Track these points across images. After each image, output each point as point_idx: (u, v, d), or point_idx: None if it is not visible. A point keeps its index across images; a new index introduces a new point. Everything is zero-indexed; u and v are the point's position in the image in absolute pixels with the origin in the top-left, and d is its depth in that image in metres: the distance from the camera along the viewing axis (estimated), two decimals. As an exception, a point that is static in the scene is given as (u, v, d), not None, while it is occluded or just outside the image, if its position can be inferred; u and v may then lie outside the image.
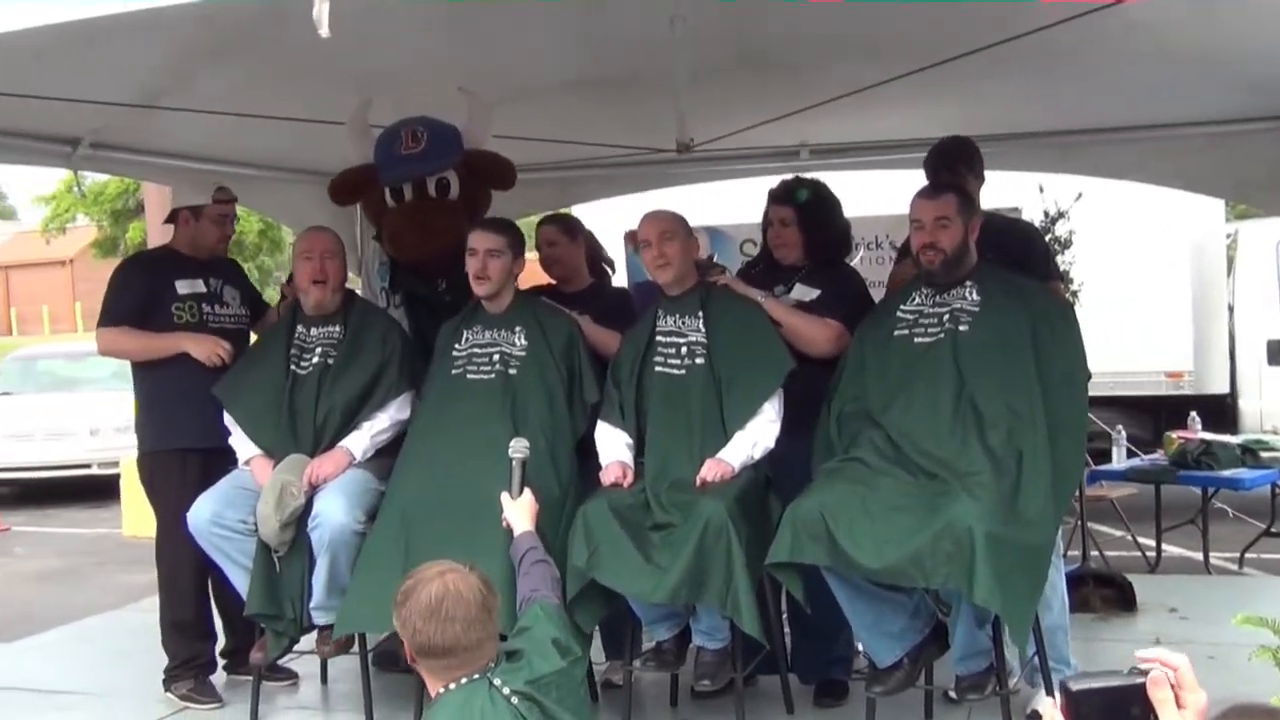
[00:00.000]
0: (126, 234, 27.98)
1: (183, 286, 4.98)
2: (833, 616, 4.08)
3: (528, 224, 6.01)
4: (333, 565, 4.33)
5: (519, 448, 3.65)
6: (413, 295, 5.11)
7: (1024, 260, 4.43)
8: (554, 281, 5.16)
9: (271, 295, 5.65)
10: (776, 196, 4.69)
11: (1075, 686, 1.36)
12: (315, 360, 4.64)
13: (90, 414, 12.35)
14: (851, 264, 4.98)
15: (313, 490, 4.38)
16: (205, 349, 4.86)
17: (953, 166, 4.58)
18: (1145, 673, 1.36)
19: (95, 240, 31.17)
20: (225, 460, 4.73)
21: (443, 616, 2.65)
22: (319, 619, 4.43)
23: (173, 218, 5.18)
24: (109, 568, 9.08)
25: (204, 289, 5.03)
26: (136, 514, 9.77)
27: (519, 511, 3.51)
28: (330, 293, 4.70)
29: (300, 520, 4.36)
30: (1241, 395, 9.63)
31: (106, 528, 10.66)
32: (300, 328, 4.73)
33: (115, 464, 11.05)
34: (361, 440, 4.54)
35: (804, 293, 4.50)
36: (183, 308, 4.96)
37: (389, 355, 4.64)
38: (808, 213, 4.61)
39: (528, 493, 3.54)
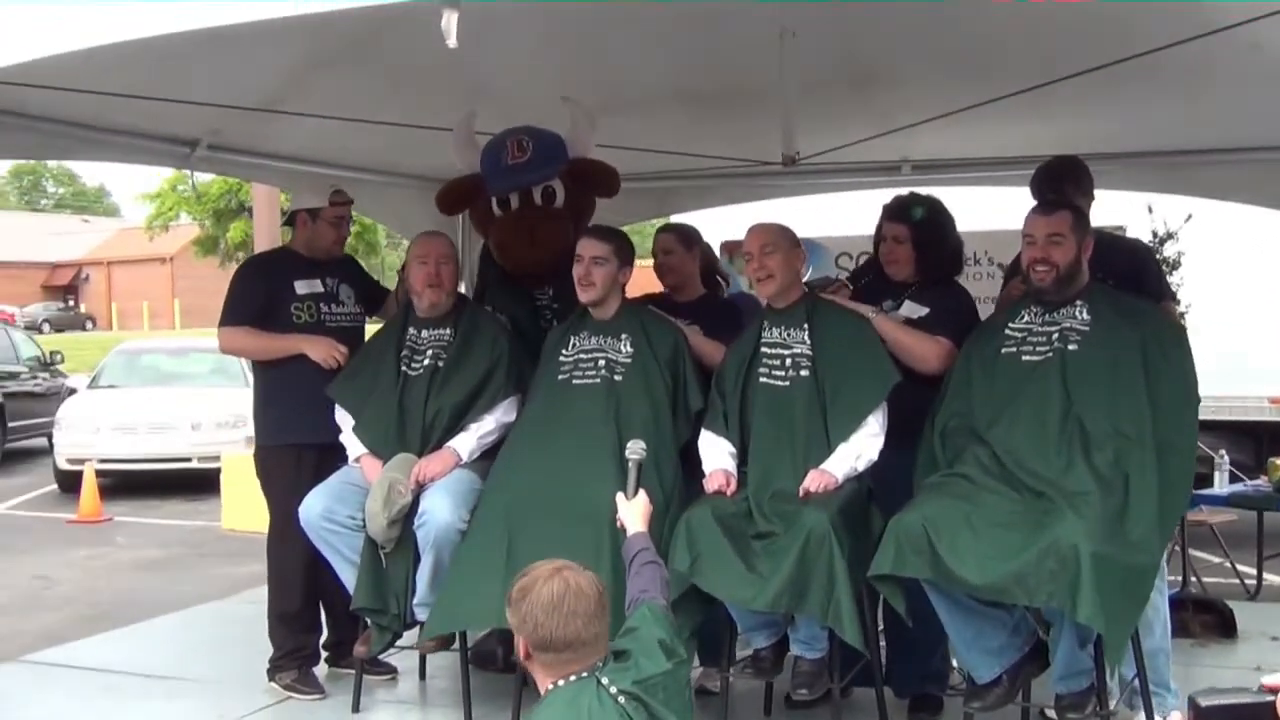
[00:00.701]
0: (227, 233, 28.56)
1: (301, 287, 5.11)
2: (930, 631, 4.10)
3: (640, 232, 6.08)
4: (437, 563, 4.41)
5: (636, 449, 3.69)
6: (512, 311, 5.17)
7: (1137, 279, 4.40)
8: (666, 290, 5.22)
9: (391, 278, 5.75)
10: (891, 213, 4.68)
11: (1205, 702, 1.37)
12: (426, 362, 4.74)
13: (192, 409, 12.60)
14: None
15: (420, 489, 4.47)
16: (322, 351, 4.97)
17: (1058, 187, 4.53)
18: (1276, 691, 1.37)
19: (196, 239, 31.88)
20: (337, 456, 4.85)
21: (565, 611, 2.70)
22: (422, 615, 4.51)
23: (290, 220, 5.31)
24: (209, 559, 9.28)
25: (321, 289, 5.16)
26: (236, 508, 10.00)
27: (633, 512, 3.54)
28: (444, 296, 4.80)
29: (407, 518, 4.46)
30: (1348, 422, 9.44)
31: (205, 520, 10.88)
32: (412, 329, 4.83)
33: (215, 458, 11.27)
34: (468, 441, 4.63)
35: (913, 310, 4.50)
36: (301, 308, 5.09)
37: (497, 359, 4.73)
38: (922, 230, 4.60)
39: (642, 494, 3.58)
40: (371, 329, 5.25)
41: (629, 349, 4.53)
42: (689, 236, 5.30)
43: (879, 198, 4.94)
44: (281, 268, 5.21)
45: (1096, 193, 4.76)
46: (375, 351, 4.91)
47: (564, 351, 4.60)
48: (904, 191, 4.85)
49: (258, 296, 5.10)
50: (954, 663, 4.59)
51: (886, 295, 4.58)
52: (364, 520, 4.48)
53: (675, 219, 6.96)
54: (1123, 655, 3.69)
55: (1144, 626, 4.02)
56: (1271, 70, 4.36)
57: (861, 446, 4.17)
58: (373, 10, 3.46)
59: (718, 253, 6.10)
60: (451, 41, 3.00)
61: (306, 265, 5.17)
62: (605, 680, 2.77)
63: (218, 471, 10.87)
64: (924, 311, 4.49)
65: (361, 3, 3.40)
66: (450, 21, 2.98)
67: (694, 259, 5.24)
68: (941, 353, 4.36)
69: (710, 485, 4.20)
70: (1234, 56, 4.10)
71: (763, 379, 4.32)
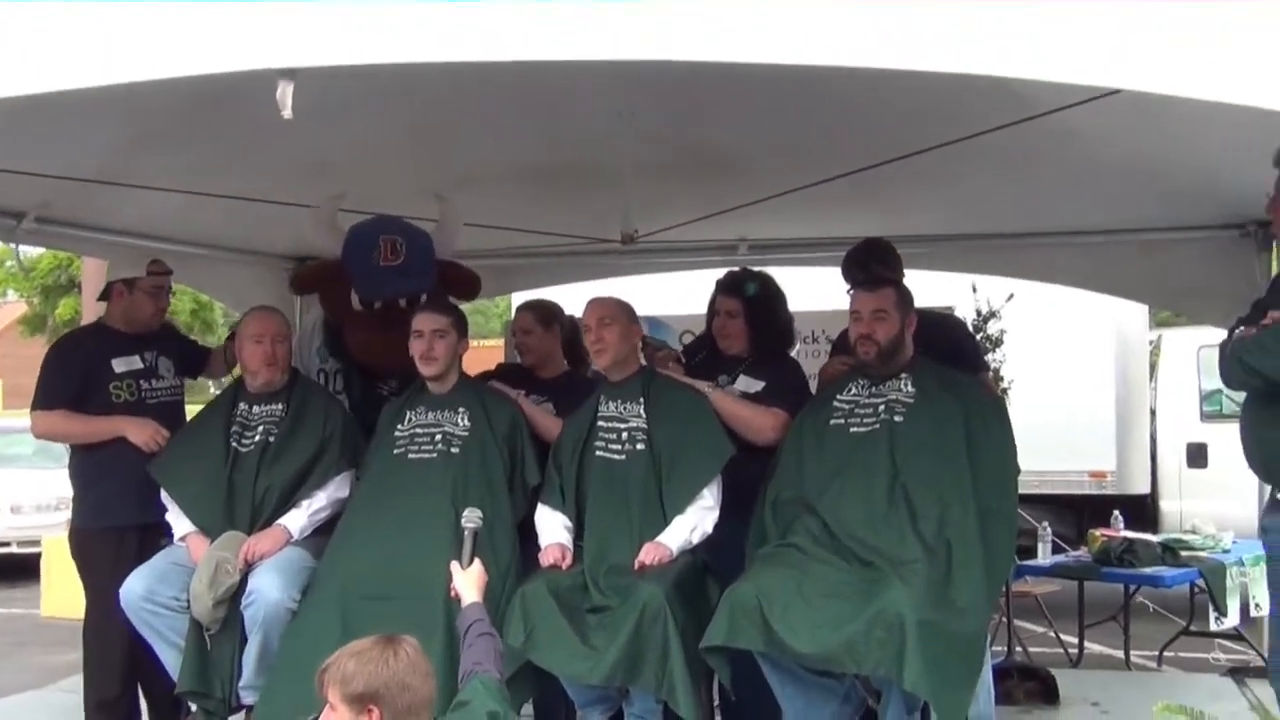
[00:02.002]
0: (56, 310, 27.58)
1: (119, 365, 4.96)
2: (765, 703, 4.12)
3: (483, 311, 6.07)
4: (265, 644, 4.29)
5: (472, 518, 3.67)
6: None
7: (953, 352, 4.55)
8: (527, 368, 5.22)
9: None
10: (725, 287, 4.78)
11: None
12: (257, 438, 4.64)
13: (11, 491, 12.11)
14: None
15: (248, 567, 4.35)
16: (145, 434, 4.82)
17: (866, 266, 4.71)
18: None
19: (23, 317, 30.71)
20: (160, 537, 4.70)
21: (384, 655, 2.69)
22: (247, 698, 4.37)
23: (106, 293, 5.15)
24: (26, 648, 8.86)
25: (140, 365, 5.01)
26: (57, 593, 9.57)
27: (468, 581, 3.52)
28: (279, 374, 4.73)
29: (234, 598, 4.33)
30: (1162, 496, 9.88)
31: (22, 608, 10.42)
32: (242, 404, 4.73)
33: (36, 542, 10.83)
34: (299, 518, 4.53)
35: (748, 384, 4.58)
36: (120, 386, 4.93)
37: (330, 434, 4.65)
38: (755, 305, 4.72)
39: (477, 563, 3.55)
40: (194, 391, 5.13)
41: (466, 423, 4.51)
42: (548, 314, 5.29)
43: (720, 276, 5.03)
44: (98, 345, 5.04)
45: (924, 273, 4.94)
46: (202, 426, 4.79)
47: (400, 426, 4.56)
48: (737, 268, 4.96)
49: (73, 377, 4.93)
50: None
51: (720, 370, 4.65)
52: (189, 601, 4.34)
53: (520, 295, 6.97)
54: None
55: None
56: (1088, 157, 4.59)
57: (697, 519, 4.20)
58: (208, 80, 3.43)
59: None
60: (286, 113, 2.96)
61: (124, 341, 5.02)
62: (434, 753, 2.74)
63: (38, 556, 10.43)
64: (760, 385, 4.57)
65: (195, 71, 3.36)
66: (285, 92, 2.95)
67: (553, 336, 5.24)
68: (778, 424, 4.44)
69: (545, 559, 4.18)
70: (1053, 143, 4.30)
71: (599, 452, 4.34)
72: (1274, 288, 3.88)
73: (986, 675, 4.48)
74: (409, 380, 4.73)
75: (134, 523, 4.80)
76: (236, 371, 5.06)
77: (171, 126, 4.23)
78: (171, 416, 5.00)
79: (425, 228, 5.07)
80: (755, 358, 4.69)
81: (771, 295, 4.80)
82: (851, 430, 4.16)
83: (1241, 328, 3.70)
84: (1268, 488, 3.80)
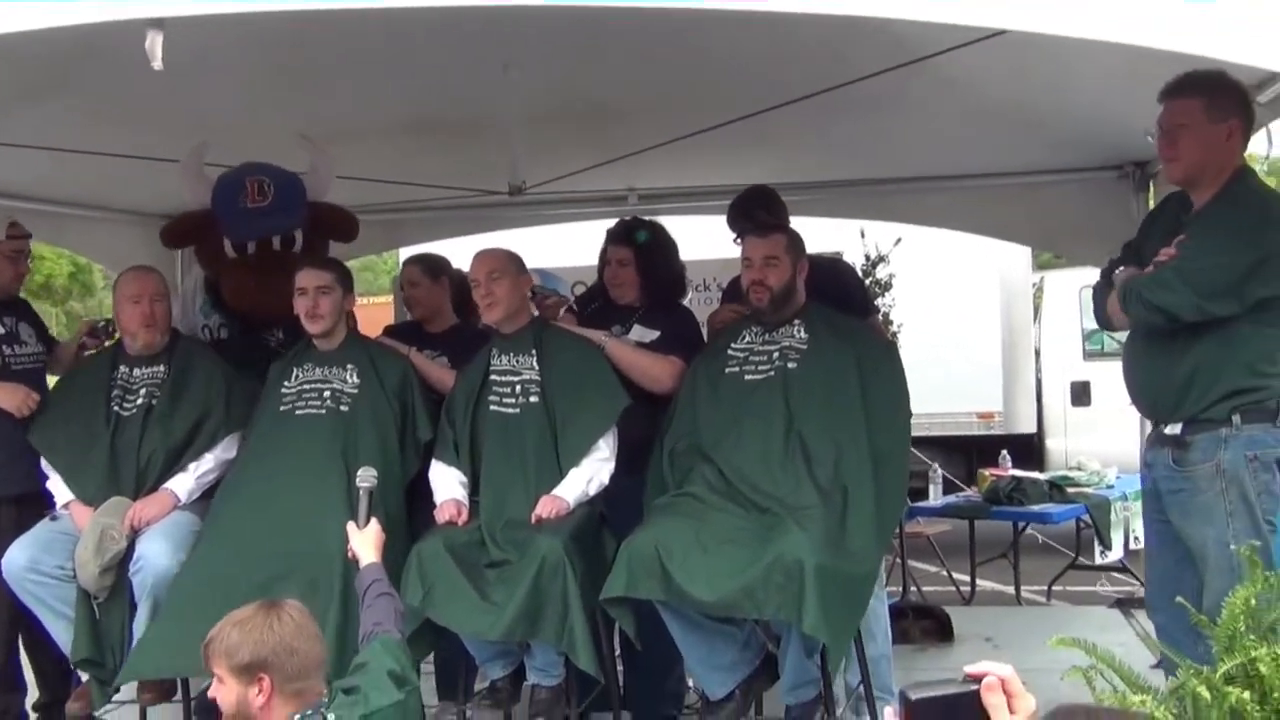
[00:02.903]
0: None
1: None
2: (665, 652, 4.15)
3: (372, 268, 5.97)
4: (155, 610, 4.19)
5: (367, 477, 3.61)
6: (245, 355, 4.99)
7: (843, 299, 4.59)
8: (417, 321, 5.17)
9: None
10: (615, 236, 4.77)
11: (914, 695, 1.42)
12: (139, 401, 4.51)
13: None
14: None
15: (135, 534, 4.25)
16: (16, 399, 4.65)
17: (748, 214, 4.72)
18: (979, 680, 1.43)
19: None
20: (39, 507, 4.55)
21: (267, 622, 2.64)
22: (141, 667, 4.29)
23: None
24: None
25: (2, 330, 4.85)
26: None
27: (365, 541, 3.47)
28: (159, 335, 4.60)
29: (121, 565, 4.23)
30: (1048, 434, 10.12)
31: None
32: (123, 367, 4.59)
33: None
34: (186, 482, 4.43)
35: (643, 334, 4.58)
36: None
37: (215, 395, 4.55)
38: (646, 254, 4.71)
39: (374, 523, 3.51)
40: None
41: (355, 379, 4.43)
42: (435, 267, 5.25)
43: (610, 226, 5.01)
44: None
45: (813, 219, 4.96)
46: (79, 391, 4.64)
47: (286, 383, 4.47)
48: (628, 217, 4.94)
49: None
50: (690, 683, 4.67)
51: (614, 320, 4.64)
52: (74, 570, 4.22)
53: (408, 251, 6.88)
54: (840, 660, 3.81)
55: (866, 634, 4.18)
56: (967, 104, 4.64)
57: (593, 471, 4.19)
58: (75, 32, 3.29)
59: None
60: (156, 64, 2.87)
61: None
62: (332, 716, 2.71)
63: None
64: (655, 334, 4.57)
65: (62, 23, 3.23)
66: (154, 43, 2.86)
67: (442, 289, 5.20)
68: (676, 372, 4.44)
69: (441, 516, 4.14)
70: (937, 88, 4.33)
71: (493, 406, 4.30)
72: (1143, 228, 3.94)
73: (884, 616, 4.57)
74: (295, 329, 4.63)
75: (9, 493, 4.65)
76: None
77: (38, 81, 4.06)
78: (36, 383, 4.84)
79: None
80: (648, 307, 4.68)
81: (663, 243, 4.79)
82: (746, 378, 4.17)
83: (1121, 268, 3.77)
84: (1149, 423, 3.89)
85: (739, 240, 4.50)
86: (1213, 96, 3.49)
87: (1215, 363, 3.55)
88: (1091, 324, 9.52)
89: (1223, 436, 3.56)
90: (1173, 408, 3.65)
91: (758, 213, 4.71)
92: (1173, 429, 3.67)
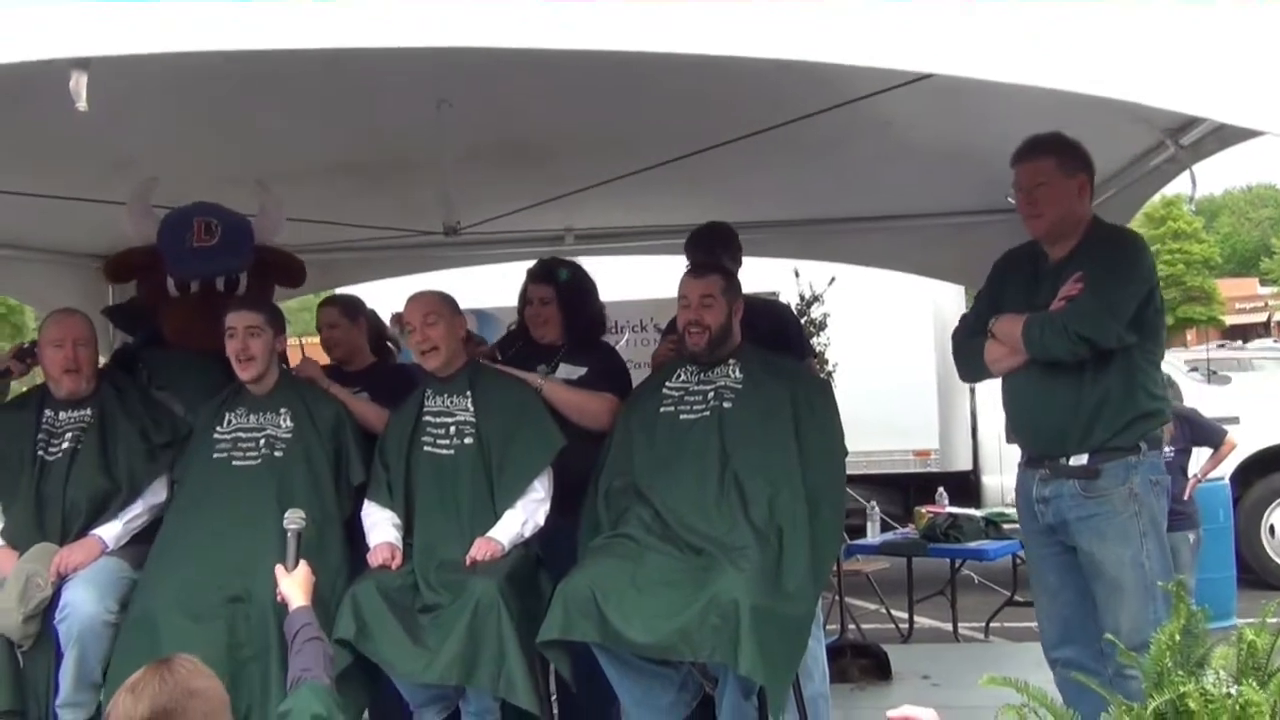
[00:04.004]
0: None
1: None
2: (601, 694, 4.12)
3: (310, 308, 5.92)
4: (81, 659, 4.10)
5: (294, 519, 3.57)
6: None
7: (779, 338, 4.61)
8: (335, 362, 5.14)
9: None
10: (536, 275, 4.80)
11: None
12: (65, 445, 4.42)
13: None
14: (617, 346, 5.09)
15: (61, 580, 4.17)
16: None
17: (710, 250, 4.77)
18: None
19: None
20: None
21: (158, 674, 2.55)
22: (65, 716, 4.16)
23: None
24: None
25: None
26: None
27: (294, 585, 3.41)
28: (84, 381, 4.51)
29: (47, 612, 4.14)
30: (984, 471, 10.18)
31: None
32: (49, 411, 4.51)
33: None
34: (114, 528, 4.34)
35: (570, 371, 4.58)
36: None
37: (142, 440, 4.47)
38: (567, 291, 4.73)
39: (303, 565, 3.46)
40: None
41: (289, 423, 4.38)
42: (352, 307, 5.26)
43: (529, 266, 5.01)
44: None
45: (748, 259, 4.99)
46: (6, 435, 4.54)
47: (219, 428, 4.41)
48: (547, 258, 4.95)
49: None
50: (627, 724, 4.63)
51: (538, 360, 4.64)
52: (-3, 618, 4.13)
53: (342, 291, 6.84)
54: (784, 704, 3.80)
55: (804, 674, 4.18)
56: (902, 145, 4.69)
57: (528, 513, 4.18)
58: (2, 71, 3.25)
59: (389, 324, 6.03)
60: (81, 105, 2.84)
61: None
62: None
63: None
64: (582, 371, 4.58)
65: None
66: (79, 83, 2.82)
67: (360, 330, 5.20)
68: (612, 408, 4.46)
69: (374, 559, 4.10)
70: (869, 130, 4.38)
71: (426, 448, 4.27)
72: (994, 285, 4.13)
73: (821, 655, 4.56)
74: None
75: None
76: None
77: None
78: None
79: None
80: (571, 345, 4.70)
81: (583, 281, 4.84)
82: (681, 417, 4.17)
83: (996, 318, 3.92)
84: (1027, 462, 4.01)
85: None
86: (1062, 155, 3.81)
87: (1122, 391, 3.73)
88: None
89: (1132, 463, 3.74)
90: (1080, 439, 3.78)
91: (716, 249, 4.77)
92: (1078, 459, 3.79)
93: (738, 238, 4.91)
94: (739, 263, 4.87)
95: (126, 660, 3.93)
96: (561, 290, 4.72)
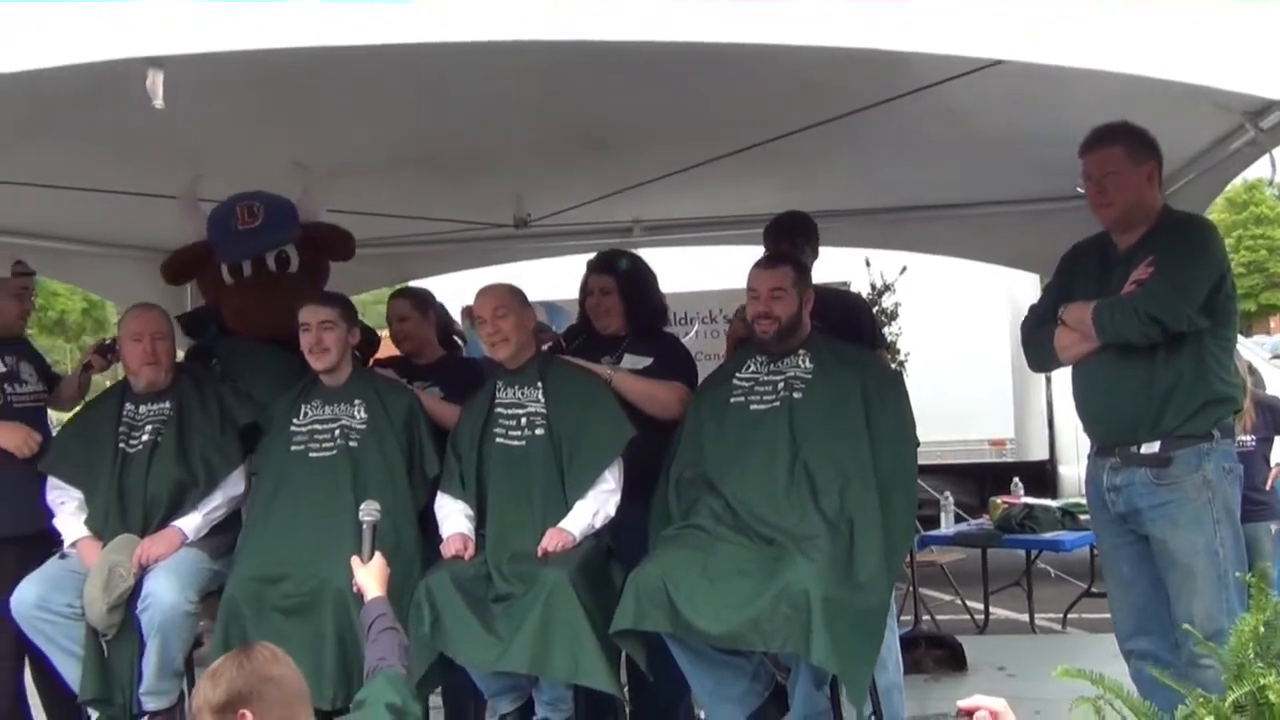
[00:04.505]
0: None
1: None
2: (673, 684, 4.13)
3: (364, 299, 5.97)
4: (163, 648, 4.20)
5: (369, 510, 3.61)
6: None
7: (850, 331, 4.59)
8: (404, 355, 5.18)
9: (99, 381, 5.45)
10: (596, 266, 4.82)
11: None
12: (145, 438, 4.51)
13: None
14: (686, 337, 5.09)
15: (143, 571, 4.25)
16: (17, 439, 4.67)
17: (791, 239, 4.79)
18: (971, 714, 1.42)
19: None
20: (42, 547, 4.56)
21: (237, 661, 2.62)
22: (149, 704, 4.27)
23: None
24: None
25: (3, 368, 4.85)
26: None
27: (369, 576, 3.46)
28: (162, 373, 4.60)
29: (129, 602, 4.23)
30: (1060, 461, 10.05)
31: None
32: (129, 404, 4.60)
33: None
34: (194, 519, 4.42)
35: (635, 361, 4.59)
36: None
37: (221, 430, 4.55)
38: (628, 281, 4.75)
39: (378, 557, 3.50)
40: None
41: (363, 414, 4.44)
42: (423, 301, 5.29)
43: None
44: None
45: (820, 249, 4.98)
46: (88, 427, 4.65)
47: (295, 420, 4.47)
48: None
49: None
50: (700, 714, 4.64)
51: (601, 351, 4.65)
52: (83, 607, 4.22)
53: (419, 284, 6.90)
54: (864, 695, 3.79)
55: (878, 665, 4.15)
56: (970, 131, 4.64)
57: (598, 503, 4.19)
58: (81, 72, 3.32)
59: (459, 319, 6.08)
60: (158, 102, 2.89)
61: None
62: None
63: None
64: (647, 361, 4.59)
65: (63, 62, 3.25)
66: (155, 81, 2.88)
67: (429, 323, 5.23)
68: (682, 397, 4.48)
69: (447, 550, 4.13)
70: (939, 117, 4.34)
71: (498, 439, 4.30)
72: (1064, 275, 4.11)
73: (895, 645, 4.54)
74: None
75: (12, 534, 4.64)
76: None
77: (42, 119, 4.09)
78: (37, 422, 4.86)
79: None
80: (634, 335, 4.72)
81: (643, 271, 4.85)
82: (751, 408, 4.16)
83: (1065, 306, 3.92)
84: (1098, 452, 3.97)
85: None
86: (1130, 143, 3.79)
87: (1194, 376, 3.70)
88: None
89: (1204, 450, 3.70)
90: (1151, 425, 3.75)
91: (797, 238, 4.80)
92: (1149, 447, 3.76)
93: (816, 227, 4.91)
94: (817, 252, 4.89)
95: (217, 651, 4.02)
96: (622, 280, 4.74)
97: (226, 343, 4.97)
